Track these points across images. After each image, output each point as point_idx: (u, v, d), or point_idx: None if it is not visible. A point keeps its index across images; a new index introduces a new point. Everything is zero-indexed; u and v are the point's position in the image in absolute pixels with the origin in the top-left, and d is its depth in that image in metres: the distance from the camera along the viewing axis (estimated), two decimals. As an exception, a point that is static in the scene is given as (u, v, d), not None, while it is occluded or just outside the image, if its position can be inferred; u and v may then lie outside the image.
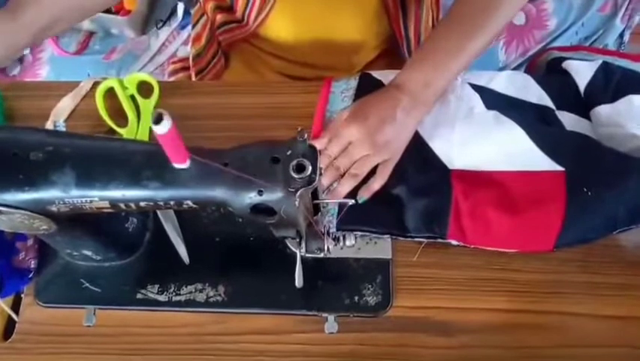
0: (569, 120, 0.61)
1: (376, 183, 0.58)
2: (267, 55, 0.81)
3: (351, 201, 0.52)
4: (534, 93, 0.64)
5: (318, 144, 0.59)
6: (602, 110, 0.60)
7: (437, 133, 0.61)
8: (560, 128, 0.61)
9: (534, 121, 0.61)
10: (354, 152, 0.57)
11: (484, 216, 0.56)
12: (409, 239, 0.57)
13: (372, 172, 0.59)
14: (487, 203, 0.57)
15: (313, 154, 0.41)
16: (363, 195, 0.58)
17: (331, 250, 0.51)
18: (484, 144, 0.60)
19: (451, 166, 0.59)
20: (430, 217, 0.57)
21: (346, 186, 0.57)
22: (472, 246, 0.56)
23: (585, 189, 0.55)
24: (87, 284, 0.57)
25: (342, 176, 0.58)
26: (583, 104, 0.62)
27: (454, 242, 0.56)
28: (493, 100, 0.62)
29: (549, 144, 0.59)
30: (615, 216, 0.55)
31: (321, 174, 0.41)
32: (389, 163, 0.58)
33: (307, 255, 0.52)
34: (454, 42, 0.59)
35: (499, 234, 0.56)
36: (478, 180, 0.58)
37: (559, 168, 0.57)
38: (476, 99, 0.62)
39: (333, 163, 0.58)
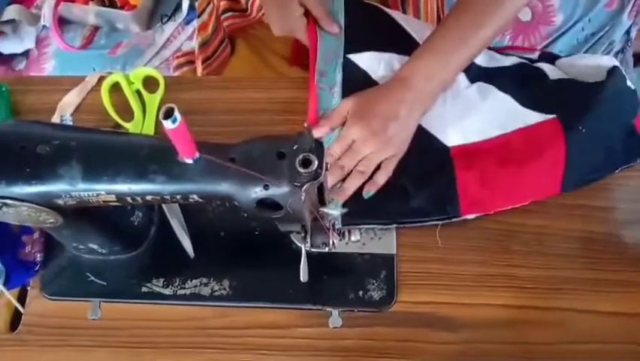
0: (548, 68, 0.64)
1: (382, 178, 0.58)
2: (272, 40, 0.81)
3: (345, 210, 0.54)
4: (510, 60, 0.66)
5: (318, 133, 0.59)
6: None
7: (429, 114, 0.61)
8: (543, 76, 0.63)
9: (516, 82, 0.62)
10: (359, 151, 0.57)
11: (492, 181, 0.57)
12: (419, 226, 0.57)
13: (377, 167, 0.59)
14: (491, 167, 0.58)
15: (319, 149, 0.41)
16: (370, 190, 0.58)
17: (336, 244, 0.52)
18: (475, 116, 0.61)
19: (449, 144, 0.60)
20: (440, 199, 0.57)
21: (354, 183, 0.57)
22: (492, 212, 0.57)
23: (580, 127, 0.58)
24: (93, 277, 0.57)
25: (348, 174, 0.58)
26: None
27: (470, 216, 0.57)
28: (475, 73, 0.63)
29: (534, 101, 0.60)
30: (612, 150, 0.59)
31: (327, 169, 0.41)
32: (395, 158, 0.58)
33: (312, 250, 0.52)
34: (458, 35, 0.58)
35: (511, 191, 0.57)
36: (478, 150, 0.59)
37: (550, 116, 0.59)
38: (460, 76, 0.63)
39: (337, 163, 0.58)
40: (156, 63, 1.17)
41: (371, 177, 0.58)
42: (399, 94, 0.58)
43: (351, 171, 0.58)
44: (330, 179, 0.57)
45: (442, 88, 0.60)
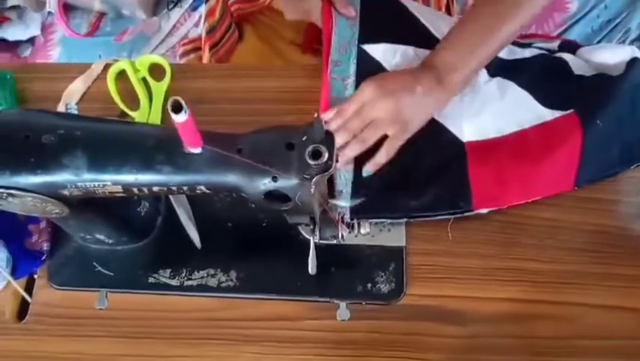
0: (570, 58, 0.63)
1: (382, 157, 0.56)
2: (281, 27, 0.80)
3: (357, 202, 0.53)
4: (530, 51, 0.65)
5: (339, 116, 0.58)
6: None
7: (446, 108, 0.60)
8: (565, 68, 0.62)
9: (536, 77, 0.61)
10: (367, 113, 0.56)
11: (506, 176, 0.57)
12: (430, 220, 0.56)
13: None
14: (506, 162, 0.57)
15: (329, 140, 0.40)
16: (369, 170, 0.56)
17: (345, 237, 0.51)
18: (492, 113, 0.60)
19: (464, 139, 0.59)
20: (452, 193, 0.56)
21: (352, 150, 0.56)
22: (506, 206, 0.56)
23: (598, 121, 0.57)
24: (99, 268, 0.57)
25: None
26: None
27: (483, 211, 0.56)
28: (495, 66, 0.62)
29: (554, 98, 0.60)
30: (628, 145, 0.58)
31: (337, 161, 0.40)
32: (398, 138, 0.56)
33: (321, 242, 0.52)
34: (484, 28, 0.57)
35: (524, 187, 0.56)
36: (492, 146, 0.59)
37: (568, 112, 0.59)
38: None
39: (345, 124, 0.56)
40: (162, 50, 1.16)
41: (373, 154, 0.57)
42: (419, 73, 0.57)
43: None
44: (337, 140, 0.55)
45: (465, 81, 0.59)
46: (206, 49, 0.81)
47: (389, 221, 0.57)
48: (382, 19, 0.66)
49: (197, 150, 0.41)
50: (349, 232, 0.52)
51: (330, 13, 0.66)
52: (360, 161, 0.57)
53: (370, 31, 0.65)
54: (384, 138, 0.56)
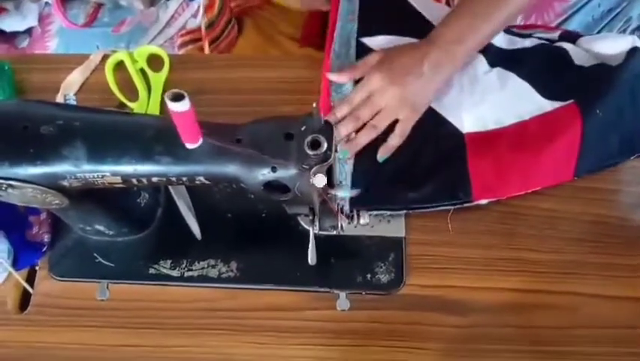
0: (570, 47, 0.63)
1: (395, 140, 0.57)
2: (281, 21, 0.79)
3: (357, 192, 0.53)
4: (530, 41, 0.64)
5: (335, 78, 0.59)
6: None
7: (445, 99, 0.60)
8: (565, 58, 0.62)
9: (537, 67, 0.61)
10: (376, 101, 0.56)
11: (505, 167, 0.57)
12: (430, 211, 0.56)
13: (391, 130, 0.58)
14: (505, 153, 0.57)
15: (328, 130, 0.40)
16: (384, 155, 0.57)
17: (345, 228, 0.51)
18: (492, 104, 0.60)
19: (464, 130, 0.59)
20: (452, 185, 0.56)
21: (365, 137, 0.57)
22: (505, 197, 0.56)
23: (597, 111, 0.57)
24: (100, 259, 0.57)
25: (361, 127, 0.57)
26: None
27: (482, 202, 0.56)
28: (495, 56, 0.62)
29: (554, 89, 0.60)
30: (629, 135, 0.58)
31: (336, 151, 0.40)
32: (409, 120, 0.57)
33: (320, 232, 0.52)
34: (488, 3, 0.57)
35: (524, 177, 0.56)
36: (492, 137, 0.59)
37: (568, 102, 0.59)
38: (480, 58, 0.62)
39: (353, 113, 0.57)
40: (160, 41, 1.15)
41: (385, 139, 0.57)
42: (424, 50, 0.57)
43: (365, 124, 0.57)
44: (345, 129, 0.56)
45: (468, 54, 0.59)
46: (206, 44, 0.81)
47: (388, 212, 0.57)
48: (382, 11, 0.66)
49: (195, 145, 0.40)
50: (349, 223, 0.52)
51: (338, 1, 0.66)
52: (359, 152, 0.57)
53: (369, 24, 0.65)
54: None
